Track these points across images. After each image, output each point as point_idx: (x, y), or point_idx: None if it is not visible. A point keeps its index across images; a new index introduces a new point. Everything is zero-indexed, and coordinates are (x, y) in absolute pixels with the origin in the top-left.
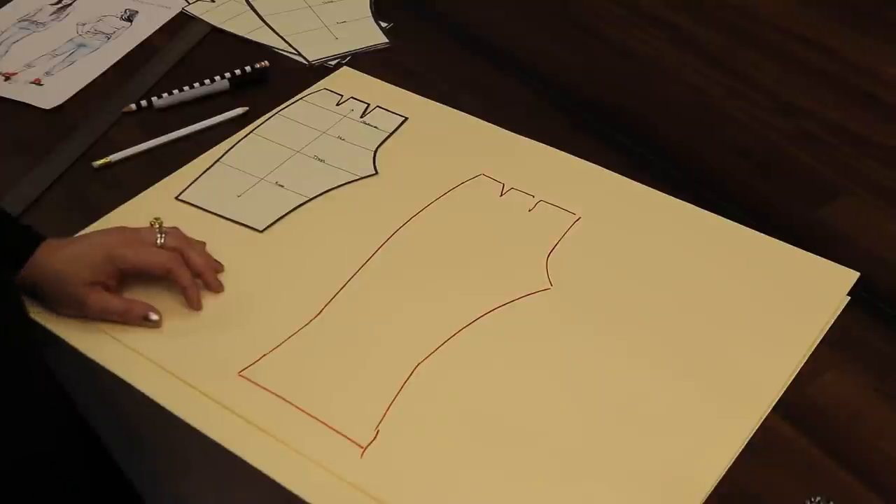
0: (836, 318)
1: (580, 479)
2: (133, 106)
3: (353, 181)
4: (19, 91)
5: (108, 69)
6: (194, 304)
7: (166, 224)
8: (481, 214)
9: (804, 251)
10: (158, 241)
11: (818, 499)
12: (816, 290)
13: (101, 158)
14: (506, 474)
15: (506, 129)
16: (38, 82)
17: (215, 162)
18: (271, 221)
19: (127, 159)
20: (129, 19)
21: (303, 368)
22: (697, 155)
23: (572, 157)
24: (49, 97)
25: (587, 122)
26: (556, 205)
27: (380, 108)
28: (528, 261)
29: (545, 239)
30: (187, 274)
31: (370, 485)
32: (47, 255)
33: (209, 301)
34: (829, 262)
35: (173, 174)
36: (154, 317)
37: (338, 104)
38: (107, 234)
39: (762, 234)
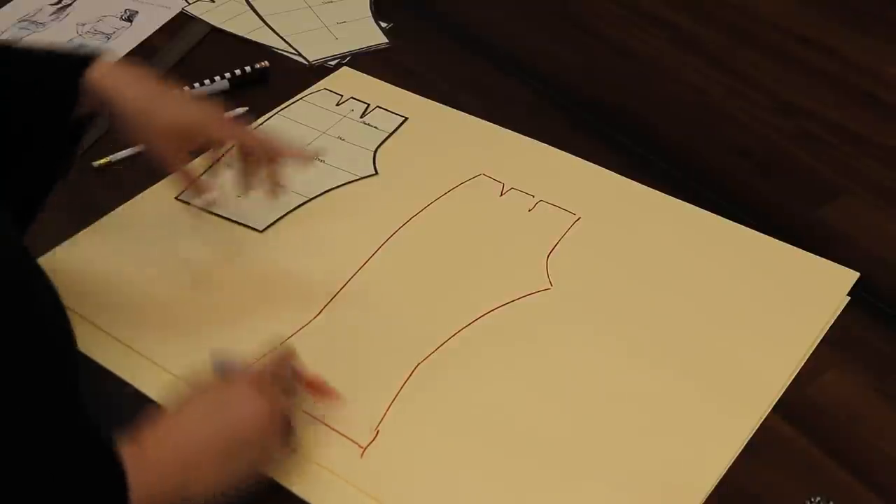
0: (836, 318)
1: (580, 478)
2: None
3: (353, 181)
4: None
5: None
6: (298, 154)
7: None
8: (481, 214)
9: (804, 251)
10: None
11: (818, 499)
12: (816, 290)
13: (101, 158)
14: (505, 474)
15: (506, 129)
16: None
17: (215, 162)
18: (271, 221)
19: (127, 159)
20: (129, 19)
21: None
22: (697, 155)
23: (572, 157)
24: None
25: (587, 122)
26: (556, 205)
27: (380, 108)
28: (528, 261)
29: (545, 239)
30: (275, 141)
31: (370, 485)
32: (130, 85)
33: (209, 301)
34: (829, 262)
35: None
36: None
37: (338, 104)
38: (195, 103)
39: (762, 234)
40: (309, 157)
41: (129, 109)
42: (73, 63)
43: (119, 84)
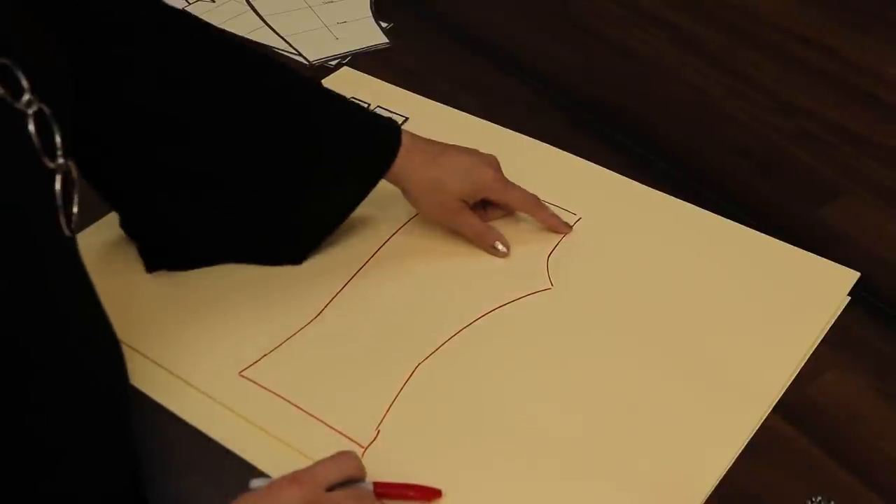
0: (836, 318)
1: (580, 478)
2: None
3: None
4: None
5: None
6: (562, 229)
7: None
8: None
9: (804, 251)
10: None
11: (818, 499)
12: (816, 290)
13: None
14: (506, 474)
15: (506, 129)
16: None
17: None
18: None
19: None
20: None
21: (303, 368)
22: (697, 155)
23: (572, 156)
24: None
25: (587, 122)
26: (556, 205)
27: (380, 108)
28: (528, 261)
29: (545, 239)
30: (548, 210)
31: None
32: (422, 162)
33: (209, 301)
34: (830, 262)
35: None
36: (502, 248)
37: None
38: (479, 162)
39: (762, 234)
40: (564, 230)
41: (418, 190)
42: (385, 140)
43: (408, 164)
